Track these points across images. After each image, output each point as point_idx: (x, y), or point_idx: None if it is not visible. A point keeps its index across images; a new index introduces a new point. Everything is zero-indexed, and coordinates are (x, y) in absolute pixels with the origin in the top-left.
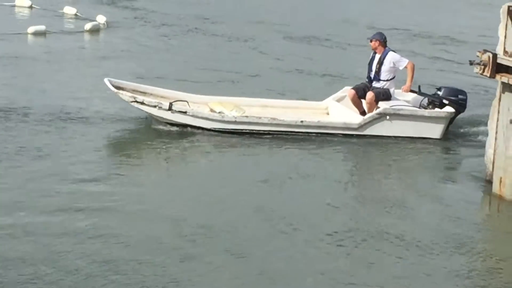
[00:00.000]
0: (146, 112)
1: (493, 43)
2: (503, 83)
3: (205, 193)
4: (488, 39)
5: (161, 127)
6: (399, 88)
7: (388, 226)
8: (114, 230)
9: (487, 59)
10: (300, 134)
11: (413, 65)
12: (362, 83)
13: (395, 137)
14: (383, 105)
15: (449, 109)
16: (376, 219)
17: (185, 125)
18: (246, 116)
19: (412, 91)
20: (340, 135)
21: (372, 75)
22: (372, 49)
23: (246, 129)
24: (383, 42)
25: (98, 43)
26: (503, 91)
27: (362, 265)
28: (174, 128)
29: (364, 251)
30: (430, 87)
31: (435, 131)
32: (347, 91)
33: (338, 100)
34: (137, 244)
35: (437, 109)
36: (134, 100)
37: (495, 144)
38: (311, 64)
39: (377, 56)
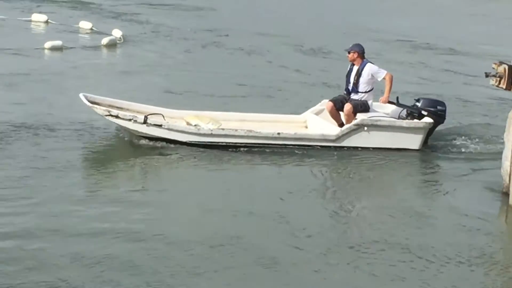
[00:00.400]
0: (121, 126)
1: (497, 54)
2: None
3: (193, 207)
4: (490, 49)
5: (135, 141)
6: (377, 100)
7: (405, 237)
8: (119, 252)
9: (503, 71)
10: (277, 146)
11: (391, 76)
12: (340, 95)
13: (373, 148)
14: (361, 117)
15: (427, 120)
16: (392, 230)
17: (161, 139)
18: (222, 129)
19: (390, 102)
20: (318, 147)
21: (350, 87)
22: (350, 61)
23: (222, 142)
24: (362, 53)
25: (116, 58)
26: None
27: (380, 277)
28: (150, 142)
29: (382, 262)
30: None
31: (413, 142)
32: (325, 103)
33: (317, 113)
34: (146, 266)
35: (415, 120)
36: (108, 114)
37: (511, 156)
38: (328, 77)
39: (355, 68)
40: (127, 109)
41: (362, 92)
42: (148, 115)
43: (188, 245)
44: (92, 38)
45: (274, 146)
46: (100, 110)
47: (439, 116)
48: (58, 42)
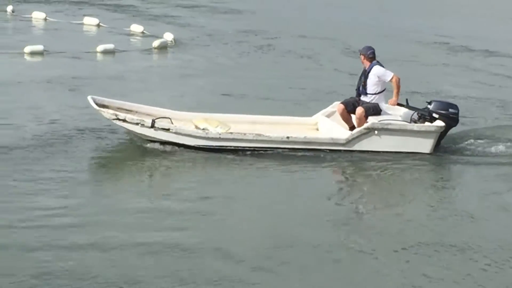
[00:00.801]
0: (129, 130)
1: None
2: None
3: (225, 214)
4: None
5: (144, 144)
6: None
7: (457, 238)
8: (162, 262)
9: None
10: (286, 150)
11: (398, 79)
12: (351, 97)
13: (384, 152)
14: (371, 120)
15: (439, 123)
16: (444, 231)
17: (168, 143)
18: (231, 133)
19: (399, 104)
20: (328, 150)
21: (360, 89)
22: (361, 62)
23: (231, 146)
24: (367, 56)
25: (168, 61)
26: None
27: (434, 278)
28: (160, 146)
29: (436, 264)
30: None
31: (425, 145)
32: (336, 106)
33: (328, 116)
34: (193, 275)
35: (427, 123)
36: (116, 117)
37: None
38: None
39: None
40: (136, 112)
41: (371, 94)
42: (156, 119)
43: (237, 253)
44: (144, 41)
45: (284, 150)
46: (107, 114)
47: (451, 119)
48: (110, 46)
